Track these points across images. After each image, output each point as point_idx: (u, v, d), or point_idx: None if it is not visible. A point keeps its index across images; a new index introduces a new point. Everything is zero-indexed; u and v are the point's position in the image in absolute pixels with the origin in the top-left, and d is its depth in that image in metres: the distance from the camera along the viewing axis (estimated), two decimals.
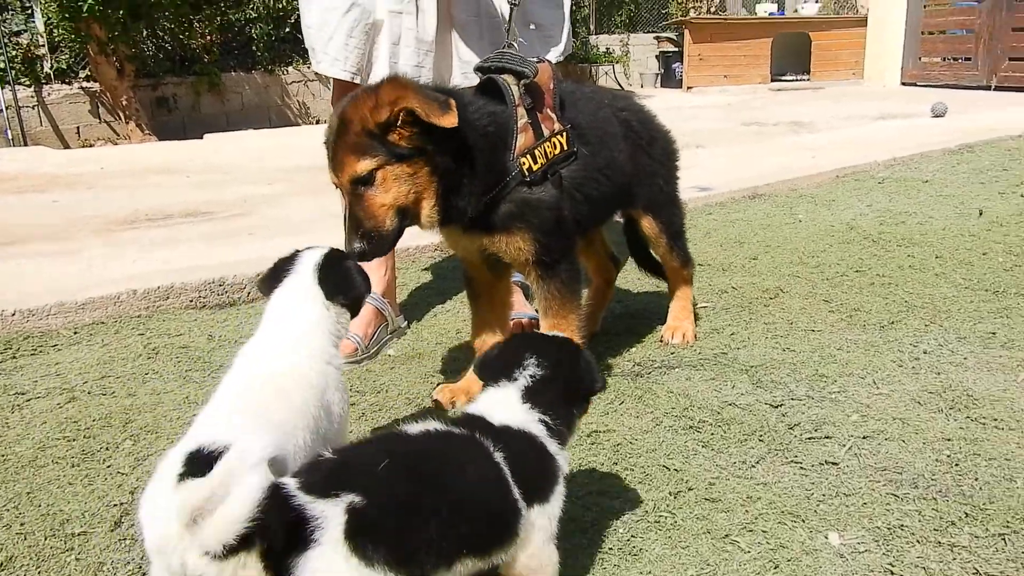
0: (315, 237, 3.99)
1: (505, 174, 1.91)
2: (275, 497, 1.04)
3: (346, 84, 2.39)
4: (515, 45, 2.10)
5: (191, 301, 3.05)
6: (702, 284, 2.91)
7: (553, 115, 2.02)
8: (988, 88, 11.28)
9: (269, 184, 6.10)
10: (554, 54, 2.44)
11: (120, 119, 8.87)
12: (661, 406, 2.00)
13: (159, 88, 9.66)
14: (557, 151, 1.98)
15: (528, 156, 1.93)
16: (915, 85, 12.57)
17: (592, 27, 14.56)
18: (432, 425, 1.27)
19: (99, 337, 2.70)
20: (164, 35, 9.92)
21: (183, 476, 1.10)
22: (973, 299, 2.64)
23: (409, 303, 2.99)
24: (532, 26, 2.41)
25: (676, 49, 14.57)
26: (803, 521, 1.52)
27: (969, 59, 11.86)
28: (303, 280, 1.54)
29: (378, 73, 2.38)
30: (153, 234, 4.38)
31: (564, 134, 2.00)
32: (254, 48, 10.53)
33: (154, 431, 2.01)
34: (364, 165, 1.73)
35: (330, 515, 1.05)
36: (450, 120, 1.71)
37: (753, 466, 1.72)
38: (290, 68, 10.71)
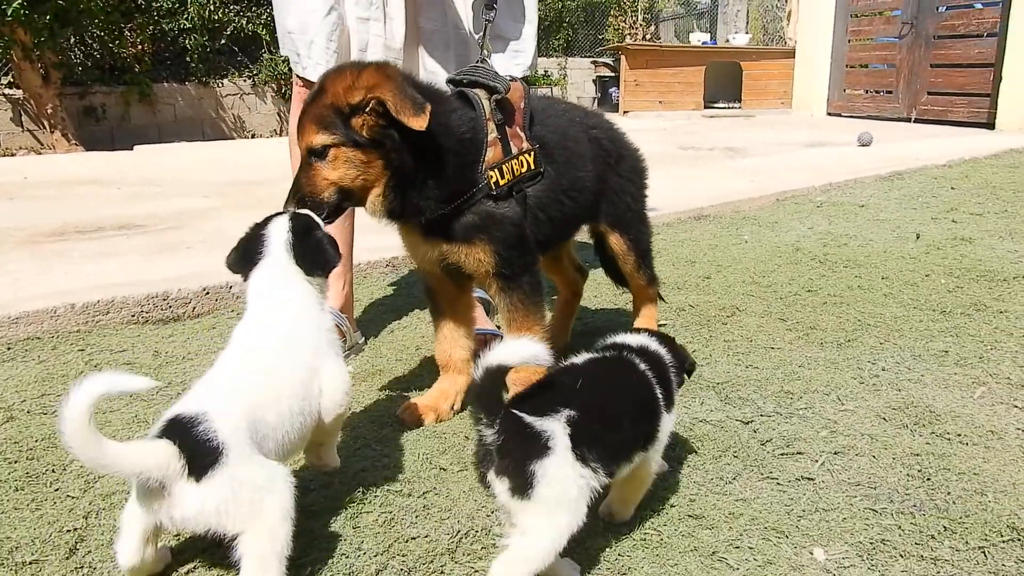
0: None
1: (473, 184, 1.89)
2: (511, 420, 1.31)
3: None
4: (487, 60, 2.09)
5: (133, 316, 2.92)
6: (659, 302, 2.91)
7: (522, 133, 2.01)
8: (908, 120, 11.78)
9: (204, 197, 5.93)
10: (520, 68, 2.44)
11: (44, 128, 8.51)
12: None
13: (87, 97, 9.34)
14: (524, 169, 1.97)
15: (496, 171, 1.91)
16: (840, 115, 13.07)
17: None
18: (597, 355, 1.58)
19: (35, 353, 2.55)
20: (93, 43, 9.60)
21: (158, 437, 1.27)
22: (922, 319, 2.71)
23: (364, 319, 2.92)
24: (500, 38, 2.39)
25: (613, 74, 14.84)
26: (787, 537, 1.51)
27: (890, 92, 12.39)
28: (278, 261, 1.58)
29: None
30: (83, 247, 4.19)
31: (532, 153, 1.99)
32: (188, 59, 10.27)
33: None
34: (320, 139, 1.75)
35: (556, 429, 1.30)
36: (419, 123, 1.70)
37: (730, 482, 1.71)
38: (225, 80, 10.48)
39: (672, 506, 1.61)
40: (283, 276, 1.58)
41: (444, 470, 1.79)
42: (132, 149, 8.40)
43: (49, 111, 8.38)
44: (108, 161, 7.87)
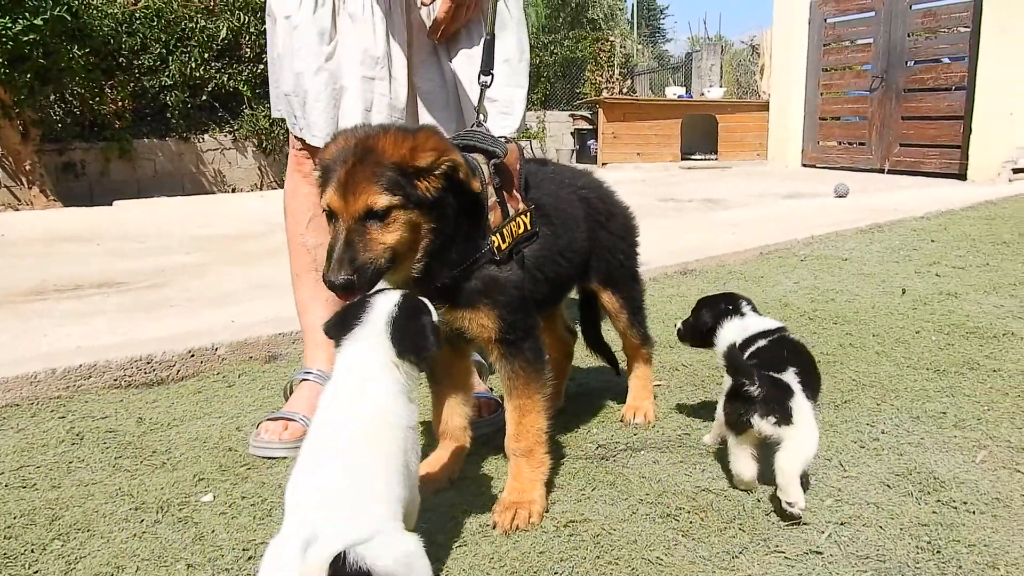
0: (241, 309, 3.87)
1: (478, 249, 1.88)
2: (767, 378, 1.89)
3: (313, 150, 2.33)
4: (483, 124, 2.09)
5: (116, 380, 2.85)
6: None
7: (518, 195, 2.00)
8: (882, 171, 12.02)
9: (187, 253, 5.88)
10: (509, 128, 2.44)
11: (23, 184, 8.45)
12: (635, 492, 1.94)
13: (66, 153, 9.31)
14: (521, 231, 1.97)
15: (497, 235, 1.90)
16: (815, 167, 13.30)
17: None
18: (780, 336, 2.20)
19: (14, 422, 2.47)
20: (74, 100, 9.59)
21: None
22: (917, 378, 2.70)
23: None
24: (489, 100, 2.40)
25: (590, 127, 15.06)
26: None
27: (864, 144, 12.65)
28: (373, 335, 1.57)
29: None
30: (63, 306, 4.12)
31: (528, 214, 1.99)
32: (169, 115, 10.29)
33: (85, 528, 1.82)
34: (384, 200, 1.66)
35: (792, 380, 1.93)
36: (477, 186, 1.76)
37: (737, 556, 1.67)
38: (206, 136, 10.51)
39: None
40: (373, 353, 1.56)
41: (441, 549, 1.73)
42: (111, 205, 8.34)
43: (27, 167, 8.34)
44: (87, 217, 7.81)
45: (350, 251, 1.67)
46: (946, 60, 11.64)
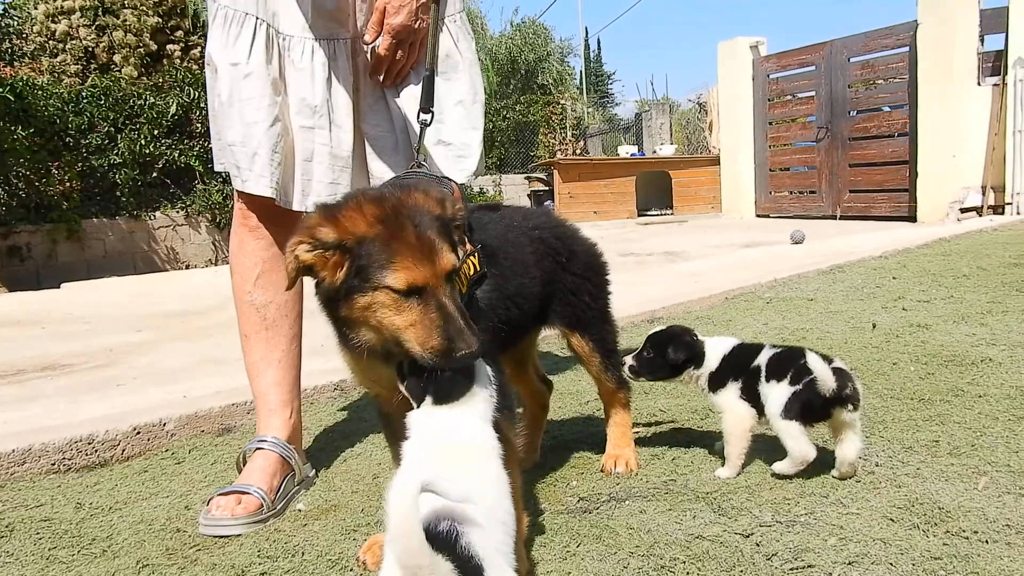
0: (192, 384, 3.66)
1: None
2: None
3: (265, 202, 2.21)
4: (424, 165, 1.99)
5: (53, 464, 2.63)
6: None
7: (464, 236, 1.89)
8: (834, 217, 12.22)
9: (137, 332, 5.65)
10: (467, 172, 2.34)
11: None
12: (624, 545, 1.79)
13: (11, 236, 9.04)
14: (472, 272, 1.85)
15: (456, 278, 1.78)
16: (769, 216, 13.50)
17: None
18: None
19: None
20: (19, 182, 9.37)
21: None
22: (903, 408, 2.61)
23: (315, 448, 2.68)
24: (443, 143, 2.30)
25: (547, 188, 15.16)
26: None
27: (815, 192, 12.88)
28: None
29: (291, 192, 2.22)
30: (2, 393, 3.87)
31: (476, 255, 1.87)
32: (119, 193, 10.10)
33: None
34: (454, 260, 1.54)
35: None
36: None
37: None
38: (158, 213, 10.31)
39: None
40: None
41: None
42: (59, 287, 8.07)
43: None
44: (32, 301, 7.52)
45: (463, 313, 1.50)
46: (887, 108, 11.99)
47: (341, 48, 2.28)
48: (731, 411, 2.20)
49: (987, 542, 1.69)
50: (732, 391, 2.21)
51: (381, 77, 2.26)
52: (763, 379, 2.16)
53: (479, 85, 2.41)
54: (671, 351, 2.27)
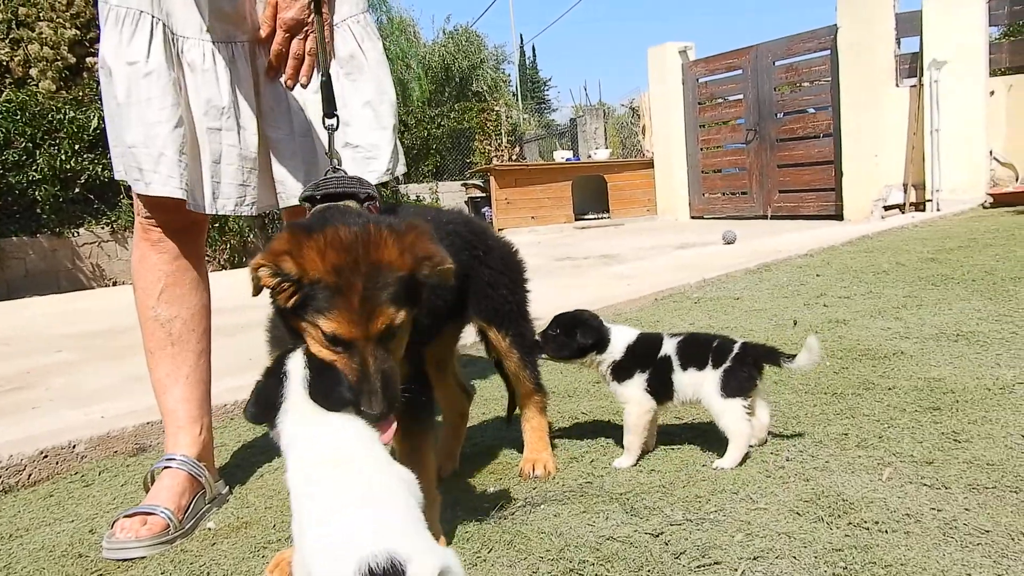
0: (111, 405, 3.54)
1: None
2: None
3: (168, 209, 2.16)
4: (340, 168, 1.95)
5: None
6: (551, 411, 2.75)
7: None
8: (765, 217, 12.50)
9: (57, 352, 5.47)
10: (377, 173, 2.30)
11: None
12: (534, 550, 1.78)
13: None
14: None
15: None
16: (703, 218, 13.75)
17: (400, 177, 14.94)
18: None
19: None
20: None
21: None
22: (816, 403, 2.66)
23: (230, 465, 2.62)
24: (350, 146, 2.27)
25: (484, 194, 15.16)
26: None
27: (746, 193, 13.15)
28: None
29: (199, 195, 2.16)
30: None
31: None
32: (39, 211, 9.75)
33: None
34: (399, 316, 1.52)
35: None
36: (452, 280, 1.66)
37: None
38: (81, 229, 9.98)
39: None
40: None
41: None
42: None
43: None
44: None
45: (385, 379, 1.50)
46: (811, 110, 12.32)
47: (239, 51, 2.23)
48: (635, 402, 2.26)
49: (887, 532, 1.73)
50: (638, 382, 2.27)
51: (283, 77, 2.21)
52: (677, 368, 2.25)
53: (387, 84, 2.37)
54: (579, 334, 2.29)
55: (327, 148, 1.97)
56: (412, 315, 1.58)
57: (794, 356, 2.19)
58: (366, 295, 1.48)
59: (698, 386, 2.23)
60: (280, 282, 1.51)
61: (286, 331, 1.66)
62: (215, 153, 2.17)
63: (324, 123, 2.00)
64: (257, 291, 1.56)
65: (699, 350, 2.25)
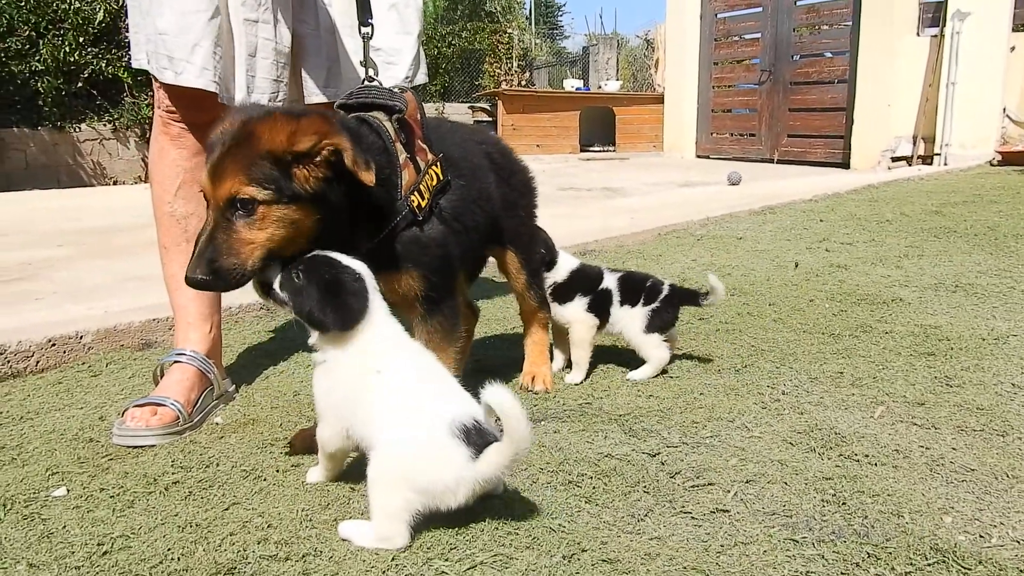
0: (112, 303, 3.57)
1: (395, 215, 1.76)
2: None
3: (194, 103, 2.13)
4: (376, 78, 1.94)
5: None
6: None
7: (425, 146, 1.89)
8: (771, 161, 12.39)
9: (58, 246, 5.47)
10: (395, 79, 2.29)
11: None
12: (535, 462, 1.84)
13: None
14: (434, 182, 1.86)
15: (416, 194, 1.80)
16: (708, 157, 13.61)
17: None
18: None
19: None
20: None
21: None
22: (813, 342, 2.71)
23: (236, 365, 2.67)
24: (372, 49, 2.24)
25: (490, 119, 14.96)
26: None
27: (754, 135, 13.01)
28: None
29: (233, 89, 2.13)
30: None
31: (438, 164, 1.88)
32: (41, 103, 9.61)
33: None
34: (250, 190, 1.51)
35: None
36: (369, 178, 1.56)
37: (642, 519, 1.59)
38: (83, 125, 9.86)
39: (584, 550, 1.47)
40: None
41: (327, 528, 1.58)
42: None
43: None
44: None
45: (212, 250, 1.53)
46: (829, 54, 12.09)
47: None
48: (580, 321, 2.44)
49: (876, 464, 1.79)
50: (579, 304, 2.45)
51: None
52: (616, 302, 2.46)
53: None
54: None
55: (359, 55, 1.96)
56: (285, 202, 1.54)
57: (707, 294, 2.44)
58: (221, 157, 1.54)
59: (628, 320, 2.43)
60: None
61: None
62: (251, 46, 2.12)
63: (360, 31, 1.98)
64: None
65: (635, 287, 2.45)
